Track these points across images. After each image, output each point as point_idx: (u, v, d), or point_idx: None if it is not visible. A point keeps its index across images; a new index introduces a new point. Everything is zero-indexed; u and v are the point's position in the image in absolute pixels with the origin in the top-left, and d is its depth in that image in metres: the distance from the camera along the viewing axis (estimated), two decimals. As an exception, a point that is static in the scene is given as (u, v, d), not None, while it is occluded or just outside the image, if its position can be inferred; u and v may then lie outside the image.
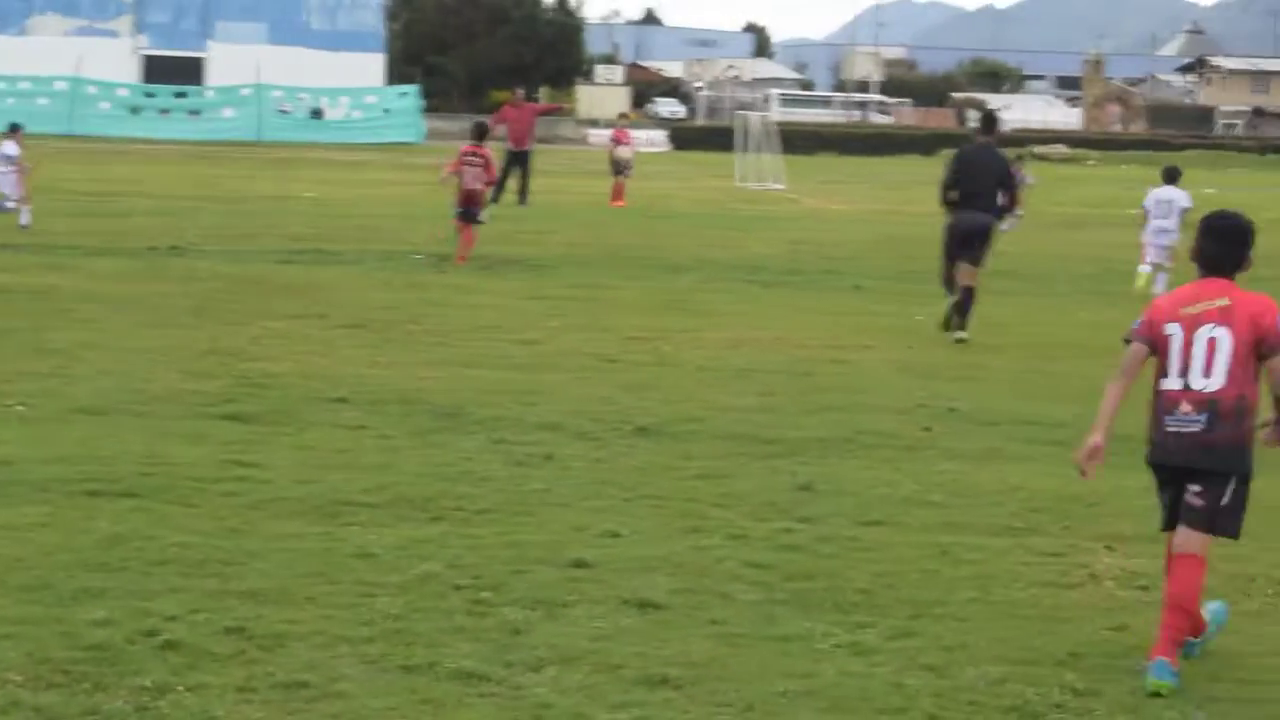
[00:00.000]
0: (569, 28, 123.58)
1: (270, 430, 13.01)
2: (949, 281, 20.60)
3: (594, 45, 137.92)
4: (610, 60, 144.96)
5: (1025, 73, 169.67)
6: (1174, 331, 8.34)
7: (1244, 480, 8.23)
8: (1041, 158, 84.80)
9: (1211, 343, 8.22)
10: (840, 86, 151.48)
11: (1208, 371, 8.19)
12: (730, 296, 23.56)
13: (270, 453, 12.16)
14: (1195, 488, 8.20)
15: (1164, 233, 26.66)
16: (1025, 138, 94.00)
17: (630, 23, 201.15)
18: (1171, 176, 27.44)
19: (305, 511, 10.50)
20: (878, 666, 7.94)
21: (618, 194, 43.53)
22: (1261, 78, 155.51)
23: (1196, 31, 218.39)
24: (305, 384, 15.06)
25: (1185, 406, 8.22)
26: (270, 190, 43.12)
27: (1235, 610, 8.97)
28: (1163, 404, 8.33)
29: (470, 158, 26.80)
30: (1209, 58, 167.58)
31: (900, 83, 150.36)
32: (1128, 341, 8.65)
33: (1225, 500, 8.18)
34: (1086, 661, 8.12)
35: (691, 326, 20.13)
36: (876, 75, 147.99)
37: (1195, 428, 8.18)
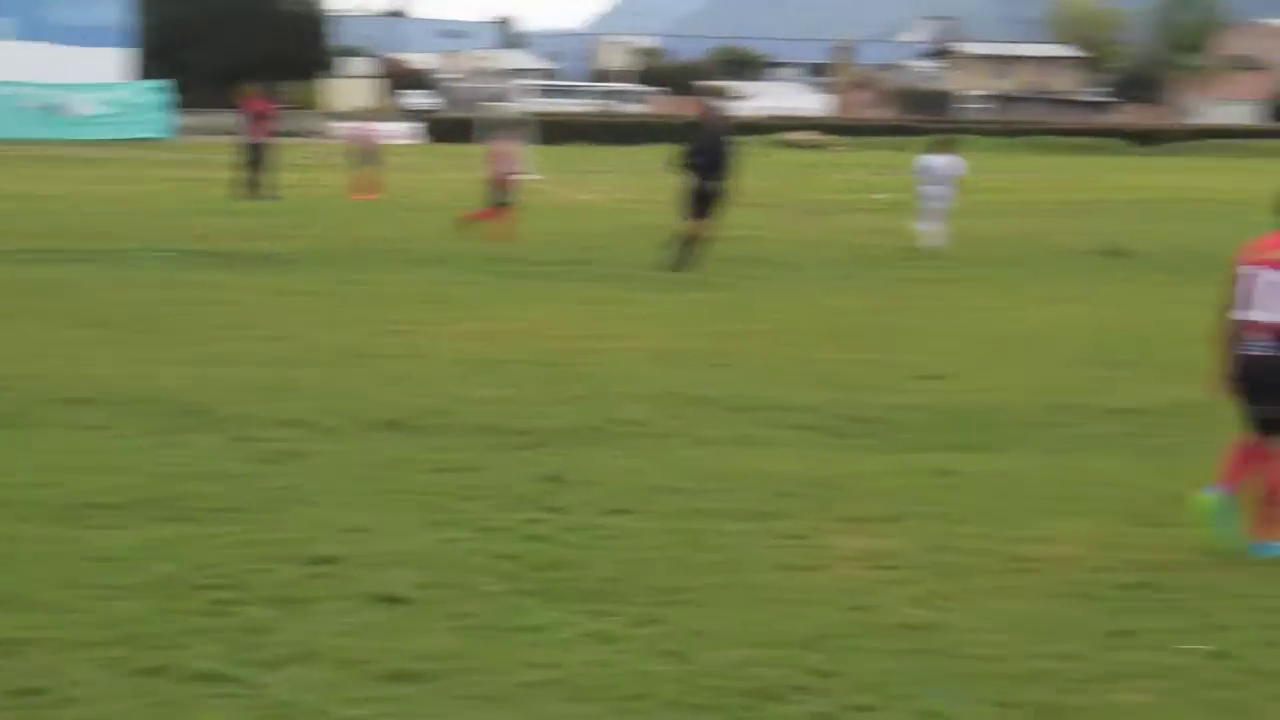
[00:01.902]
0: (315, 20, 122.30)
1: (4, 433, 12.73)
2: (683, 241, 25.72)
3: (341, 38, 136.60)
4: (358, 53, 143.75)
5: (775, 60, 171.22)
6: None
7: None
8: (791, 144, 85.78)
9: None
10: (593, 76, 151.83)
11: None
12: (481, 288, 23.51)
13: (4, 456, 11.89)
14: None
15: (938, 197, 31.36)
16: (775, 124, 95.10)
17: (378, 15, 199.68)
18: (944, 146, 32.56)
19: (42, 514, 10.28)
20: (622, 654, 7.97)
21: (367, 186, 43.23)
22: (1004, 62, 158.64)
23: (941, 18, 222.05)
24: (43, 385, 14.74)
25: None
26: (11, 189, 42.14)
27: (971, 588, 9.17)
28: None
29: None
30: (953, 43, 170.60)
31: (653, 72, 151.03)
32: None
33: None
34: (829, 643, 8.21)
35: (442, 319, 20.06)
36: (628, 65, 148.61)
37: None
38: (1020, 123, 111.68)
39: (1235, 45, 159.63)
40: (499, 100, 78.70)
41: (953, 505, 11.12)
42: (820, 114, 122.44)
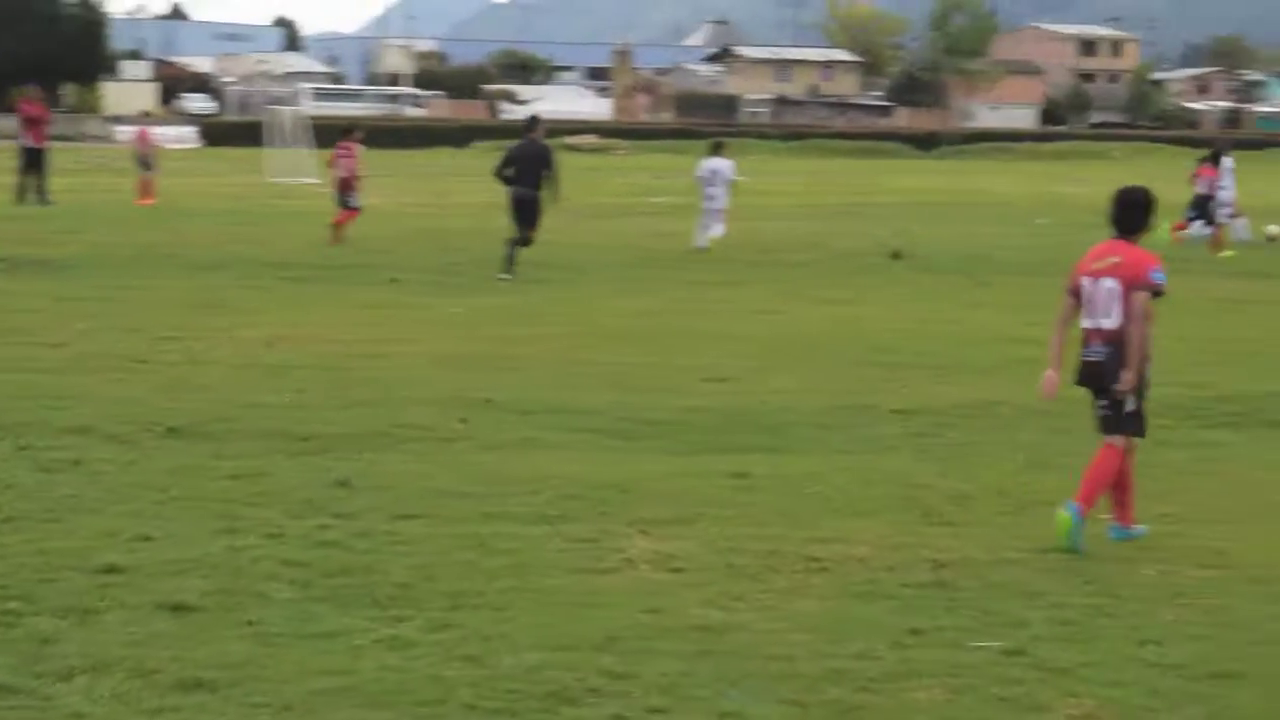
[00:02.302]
0: (92, 23, 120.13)
1: None
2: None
3: (119, 41, 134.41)
4: (136, 56, 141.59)
5: (556, 64, 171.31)
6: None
7: None
8: (573, 148, 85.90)
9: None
10: (372, 80, 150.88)
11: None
12: (264, 294, 23.25)
13: None
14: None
15: (713, 198, 31.99)
16: (557, 128, 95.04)
17: (156, 18, 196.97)
18: (717, 148, 33.22)
19: None
20: (416, 659, 7.90)
21: (145, 191, 42.57)
22: (784, 66, 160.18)
23: (721, 22, 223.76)
24: None
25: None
26: None
27: (764, 589, 9.21)
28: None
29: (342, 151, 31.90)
30: (734, 47, 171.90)
31: (432, 76, 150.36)
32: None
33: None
34: (623, 644, 8.20)
35: (224, 325, 19.80)
36: (407, 68, 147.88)
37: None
38: (801, 126, 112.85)
39: (1011, 50, 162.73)
40: (279, 104, 77.77)
41: (745, 507, 11.18)
42: (601, 118, 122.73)
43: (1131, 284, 10.44)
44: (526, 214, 26.29)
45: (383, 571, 9.36)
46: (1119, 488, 10.68)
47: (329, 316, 20.80)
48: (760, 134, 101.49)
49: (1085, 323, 10.68)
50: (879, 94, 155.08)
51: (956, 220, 41.95)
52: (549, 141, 28.06)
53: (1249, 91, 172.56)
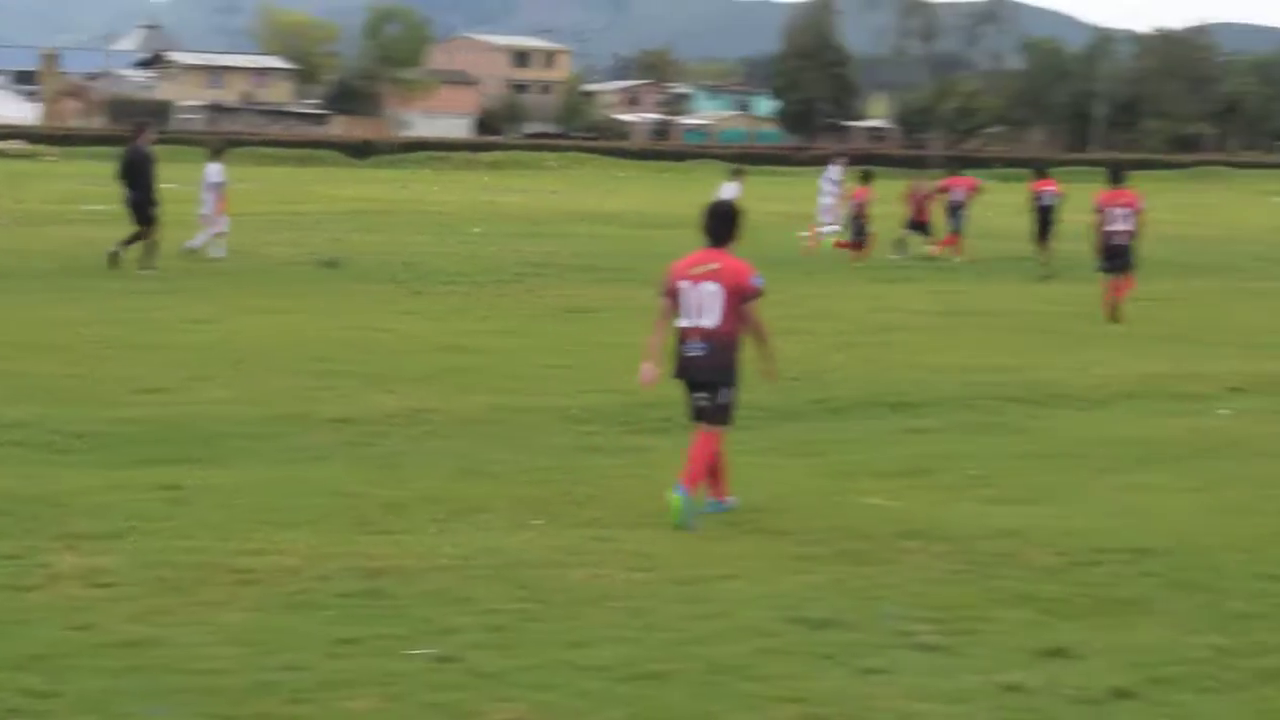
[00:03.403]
0: None
1: None
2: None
3: None
4: None
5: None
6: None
7: None
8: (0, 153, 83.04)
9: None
10: None
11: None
12: None
13: None
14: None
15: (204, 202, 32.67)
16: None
17: None
18: (216, 151, 34.30)
19: None
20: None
21: None
22: (217, 73, 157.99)
23: (153, 26, 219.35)
24: None
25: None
26: None
27: (193, 602, 9.10)
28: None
29: None
30: (166, 53, 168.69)
31: None
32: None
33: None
34: (47, 663, 8.00)
35: None
36: None
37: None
38: (235, 133, 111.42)
39: (446, 60, 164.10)
40: None
41: (175, 520, 11.02)
42: (29, 122, 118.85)
43: (734, 288, 11.66)
44: (136, 215, 28.87)
45: None
46: (714, 469, 11.92)
47: None
48: (194, 141, 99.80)
49: (684, 322, 11.76)
50: (315, 102, 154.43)
51: (392, 229, 42.10)
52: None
53: (677, 104, 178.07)
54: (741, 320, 11.77)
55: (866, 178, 38.26)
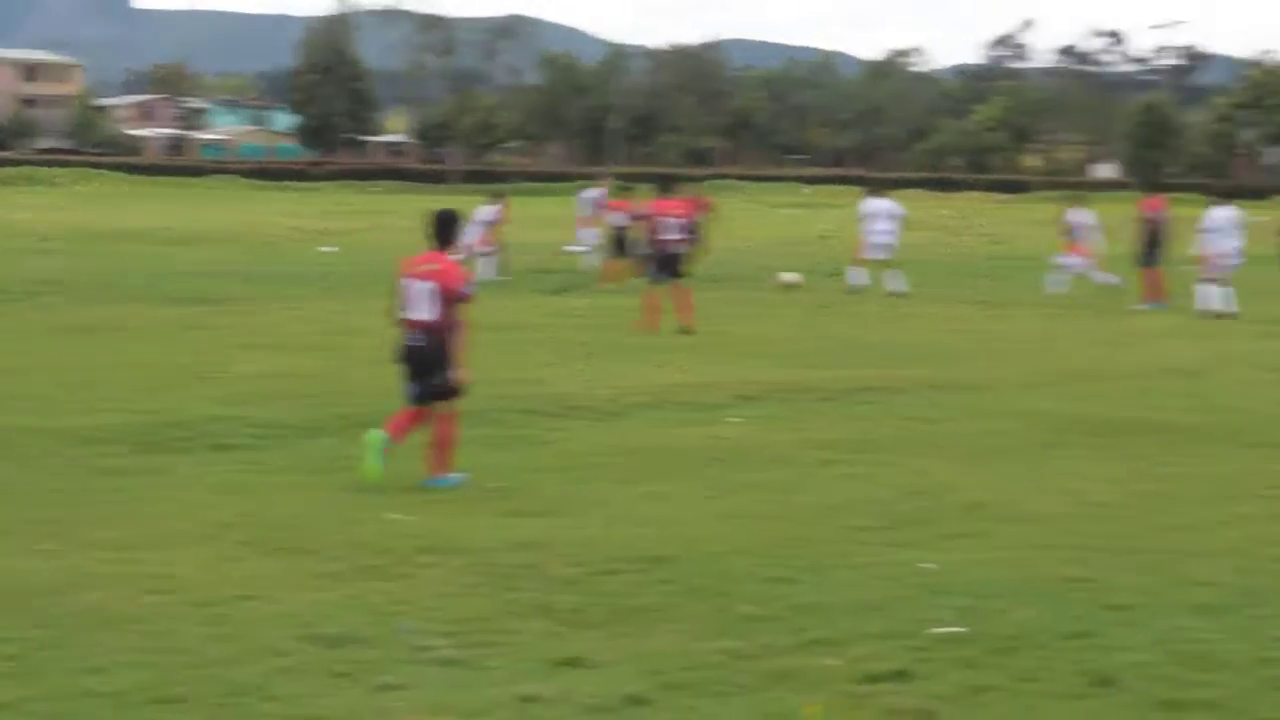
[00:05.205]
0: None
1: None
2: None
3: None
4: None
5: None
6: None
7: None
8: None
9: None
10: None
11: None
12: None
13: None
14: None
15: None
16: None
17: None
18: None
19: None
20: None
21: None
22: None
23: None
24: None
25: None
26: None
27: None
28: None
29: None
30: None
31: None
32: None
33: None
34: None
35: None
36: None
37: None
38: None
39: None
40: None
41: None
42: None
43: (447, 289, 13.49)
44: None
45: None
46: (440, 445, 13.61)
47: None
48: None
49: (407, 314, 13.60)
50: None
51: None
52: None
53: (193, 119, 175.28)
54: (453, 317, 13.52)
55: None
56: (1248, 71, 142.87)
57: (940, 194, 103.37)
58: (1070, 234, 36.06)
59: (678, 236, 26.49)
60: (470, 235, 36.02)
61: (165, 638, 9.08)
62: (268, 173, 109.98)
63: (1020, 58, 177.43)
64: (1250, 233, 32.24)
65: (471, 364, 13.89)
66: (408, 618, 9.50)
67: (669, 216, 26.59)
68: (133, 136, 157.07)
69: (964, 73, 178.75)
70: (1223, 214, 31.51)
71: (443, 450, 13.68)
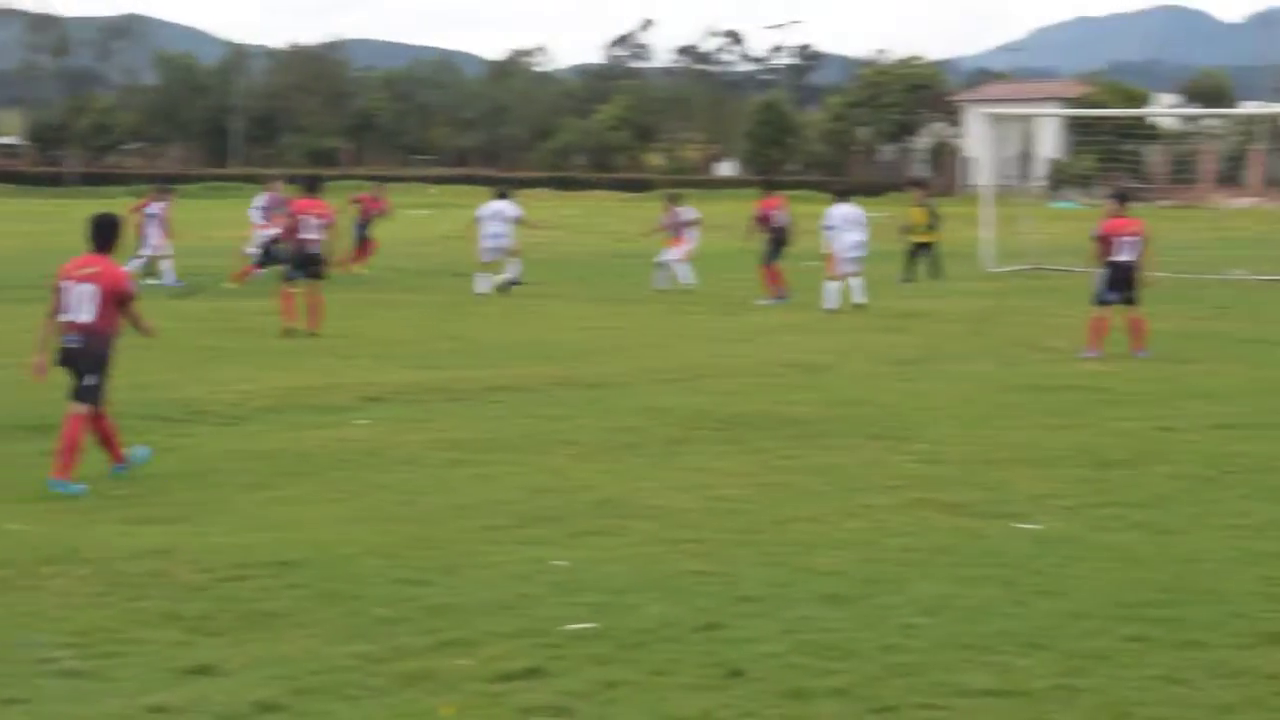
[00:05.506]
0: None
1: None
2: None
3: None
4: None
5: None
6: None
7: None
8: None
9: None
10: None
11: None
12: None
13: None
14: None
15: None
16: None
17: None
18: None
19: None
20: None
21: None
22: None
23: None
24: None
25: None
26: None
27: None
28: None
29: None
30: None
31: None
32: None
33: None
34: None
35: None
36: None
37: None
38: None
39: None
40: None
41: None
42: None
43: (112, 291, 13.61)
44: None
45: None
46: (68, 448, 13.43)
47: None
48: None
49: (65, 317, 13.61)
50: None
51: None
52: None
53: None
54: (119, 317, 13.72)
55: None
56: (861, 71, 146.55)
57: (565, 193, 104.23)
58: (674, 230, 36.85)
59: (317, 236, 26.35)
60: (154, 235, 35.86)
61: None
62: None
63: (641, 57, 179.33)
64: (873, 229, 33.08)
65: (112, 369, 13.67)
66: (30, 630, 9.24)
67: (310, 215, 26.44)
68: None
69: (585, 72, 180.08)
70: (843, 211, 32.25)
71: (70, 454, 13.48)
